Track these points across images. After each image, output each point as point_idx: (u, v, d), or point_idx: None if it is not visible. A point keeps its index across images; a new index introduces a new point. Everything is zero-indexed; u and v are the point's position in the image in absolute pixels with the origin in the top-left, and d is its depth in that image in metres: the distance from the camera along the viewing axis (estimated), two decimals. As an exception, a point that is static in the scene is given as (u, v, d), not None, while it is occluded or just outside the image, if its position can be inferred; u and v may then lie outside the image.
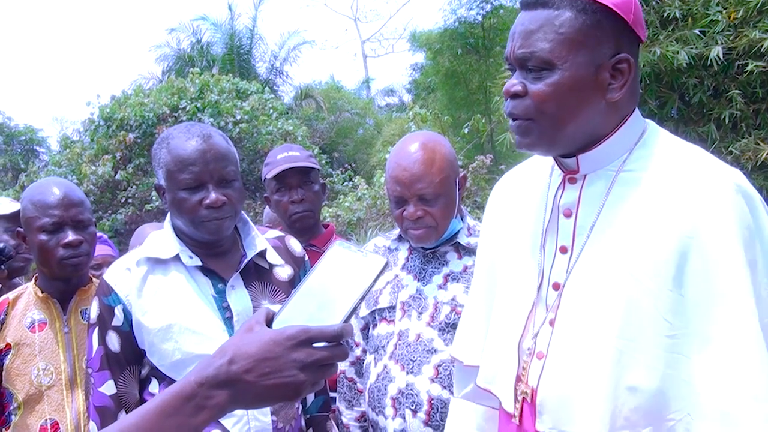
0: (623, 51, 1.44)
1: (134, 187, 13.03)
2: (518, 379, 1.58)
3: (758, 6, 5.92)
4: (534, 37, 1.42)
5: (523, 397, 1.56)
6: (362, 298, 1.07)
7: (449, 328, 2.17)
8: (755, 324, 1.34)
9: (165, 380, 2.04)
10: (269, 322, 1.07)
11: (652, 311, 1.39)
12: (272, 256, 2.23)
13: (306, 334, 1.01)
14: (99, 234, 3.19)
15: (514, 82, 1.47)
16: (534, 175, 1.72)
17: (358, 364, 2.46)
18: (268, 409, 2.06)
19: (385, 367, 2.24)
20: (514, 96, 1.47)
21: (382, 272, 1.09)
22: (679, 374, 1.37)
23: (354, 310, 1.06)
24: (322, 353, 1.02)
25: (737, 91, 5.98)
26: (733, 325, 1.34)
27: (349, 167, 16.21)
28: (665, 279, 1.38)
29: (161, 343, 2.03)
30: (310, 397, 2.34)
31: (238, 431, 2.01)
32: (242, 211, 2.24)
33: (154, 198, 12.39)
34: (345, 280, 1.08)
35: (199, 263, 2.10)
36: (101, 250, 3.05)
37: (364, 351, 2.43)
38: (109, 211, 12.93)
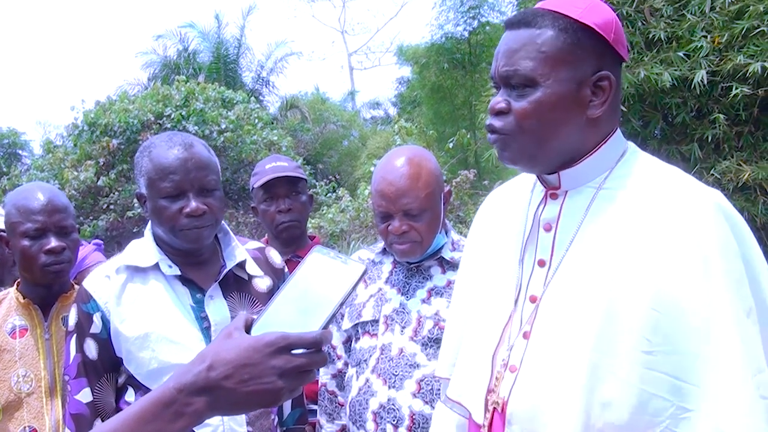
0: (604, 69, 1.47)
1: (116, 193, 12.96)
2: (490, 391, 1.58)
3: (743, 31, 5.99)
4: (517, 55, 1.46)
5: (494, 408, 1.56)
6: (341, 305, 1.07)
7: (432, 342, 2.17)
8: (739, 337, 1.34)
9: (141, 389, 2.04)
10: (248, 328, 1.07)
11: (628, 326, 1.39)
12: (252, 267, 2.23)
13: (285, 340, 1.01)
14: (97, 242, 3.17)
15: (498, 100, 1.50)
16: (517, 191, 1.74)
17: (339, 377, 2.45)
18: (243, 420, 2.06)
19: (367, 381, 2.23)
20: (498, 113, 1.51)
21: (361, 278, 1.09)
22: (657, 392, 1.37)
23: (333, 317, 1.06)
24: (300, 360, 1.02)
25: (721, 115, 6.03)
26: (720, 339, 1.34)
27: (333, 179, 16.23)
28: (644, 295, 1.39)
29: (138, 351, 2.03)
30: (287, 410, 2.34)
31: None
32: (223, 222, 2.25)
33: (136, 205, 12.32)
34: (324, 286, 1.08)
35: (179, 272, 2.10)
36: (96, 257, 3.02)
37: (346, 364, 2.42)
38: (91, 217, 12.84)
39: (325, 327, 1.04)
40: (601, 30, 1.45)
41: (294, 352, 1.02)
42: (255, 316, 1.09)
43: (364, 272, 1.10)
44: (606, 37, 1.46)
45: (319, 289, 1.08)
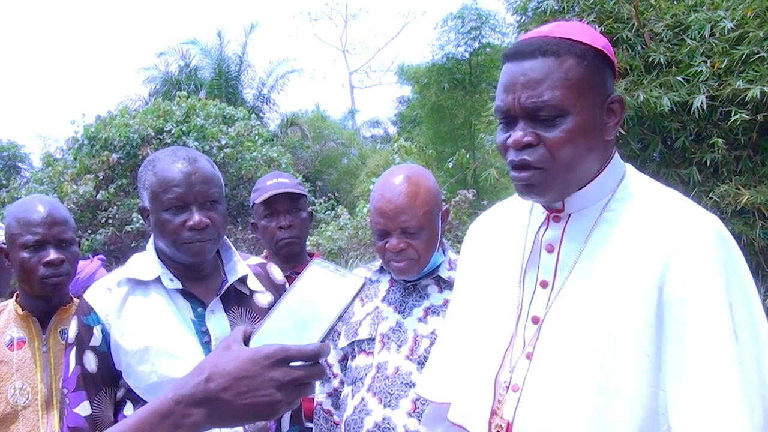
0: (612, 91, 1.50)
1: (115, 207, 12.95)
2: (493, 413, 1.58)
3: (742, 57, 6.03)
4: (542, 86, 1.43)
5: (497, 430, 1.56)
6: (340, 318, 1.08)
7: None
8: (731, 357, 1.36)
9: (140, 403, 2.03)
10: (246, 340, 1.08)
11: (633, 346, 1.40)
12: (253, 283, 2.24)
13: (284, 353, 1.02)
14: (101, 257, 3.18)
15: (523, 134, 1.46)
16: (511, 213, 1.75)
17: (335, 395, 2.45)
18: None
19: (363, 399, 2.23)
20: (526, 146, 1.47)
21: (360, 292, 1.10)
22: (658, 408, 1.39)
23: (331, 330, 1.07)
24: (299, 372, 1.03)
25: (720, 139, 6.06)
26: (709, 360, 1.36)
27: (332, 196, 16.24)
28: (645, 315, 1.41)
29: (138, 365, 2.02)
30: (285, 427, 2.33)
31: None
32: (225, 237, 2.25)
33: (134, 219, 12.32)
34: (323, 299, 1.09)
35: (180, 286, 2.10)
36: (103, 273, 3.02)
37: (342, 383, 2.42)
38: (89, 231, 12.82)
39: (324, 340, 1.05)
40: (609, 53, 1.49)
41: (292, 364, 1.03)
42: (253, 328, 1.10)
43: (363, 285, 1.10)
44: (612, 59, 1.49)
45: (318, 301, 1.09)
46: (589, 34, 1.49)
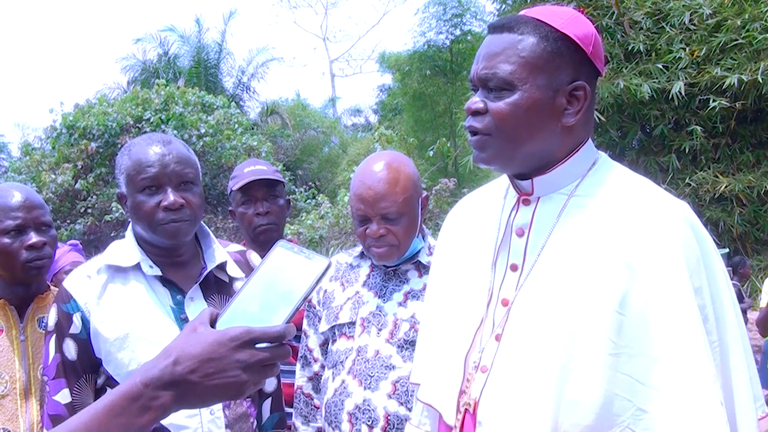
0: (581, 79, 1.52)
1: (94, 197, 12.89)
2: (461, 392, 1.61)
3: (720, 45, 6.08)
4: (497, 59, 1.51)
5: (465, 409, 1.58)
6: (305, 299, 1.09)
7: (408, 345, 2.20)
8: (701, 342, 1.39)
9: (120, 390, 2.02)
10: (213, 323, 1.09)
11: (595, 329, 1.42)
12: (233, 269, 2.24)
13: (249, 335, 1.04)
14: (73, 242, 3.16)
15: (475, 100, 1.55)
16: (488, 198, 1.77)
17: (315, 379, 2.46)
18: (222, 423, 2.06)
19: (343, 382, 2.25)
20: (475, 113, 1.54)
21: (324, 273, 1.11)
22: (620, 392, 1.41)
23: (296, 311, 1.08)
24: (264, 354, 1.05)
25: (698, 126, 6.12)
26: (681, 344, 1.39)
27: (312, 185, 16.22)
28: (610, 300, 1.43)
29: (118, 352, 2.02)
30: (266, 413, 2.34)
31: None
32: (204, 224, 2.25)
33: (114, 209, 12.26)
34: (288, 280, 1.10)
35: (159, 273, 2.10)
36: (71, 257, 3.01)
37: (323, 367, 2.43)
38: (68, 221, 12.77)
39: (289, 321, 1.06)
40: (580, 42, 1.50)
41: (258, 346, 1.04)
42: (219, 311, 1.11)
43: (328, 267, 1.11)
44: (585, 49, 1.51)
45: (283, 283, 1.10)
46: (567, 21, 1.52)
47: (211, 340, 1.04)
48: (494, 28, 1.55)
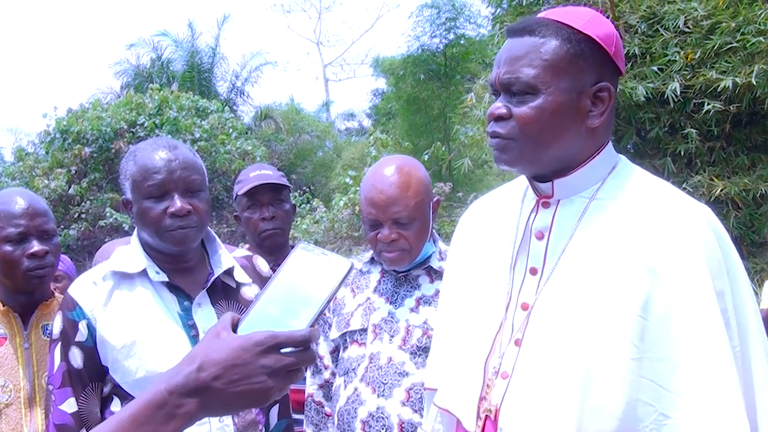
0: (604, 80, 1.51)
1: (88, 202, 12.84)
2: (482, 399, 1.59)
3: (715, 48, 6.09)
4: (520, 63, 1.49)
5: (486, 415, 1.57)
6: (329, 301, 1.07)
7: (421, 351, 2.18)
8: (725, 346, 1.38)
9: (127, 398, 2.00)
10: (235, 328, 1.07)
11: (618, 334, 1.42)
12: (240, 275, 2.22)
13: (274, 339, 1.02)
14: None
15: (498, 105, 1.53)
16: (505, 201, 1.76)
17: (326, 387, 2.44)
18: (231, 430, 2.04)
19: (356, 390, 2.23)
20: (498, 118, 1.53)
21: (347, 275, 1.09)
22: (643, 398, 1.40)
23: (320, 314, 1.06)
24: (290, 359, 1.02)
25: (693, 129, 6.13)
26: (704, 349, 1.38)
27: (307, 189, 16.20)
28: (633, 304, 1.42)
29: (125, 359, 2.00)
30: (273, 420, 2.32)
31: None
32: (210, 229, 2.24)
33: (108, 214, 12.21)
34: (310, 283, 1.08)
35: (166, 279, 2.08)
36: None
37: (334, 374, 2.42)
38: (62, 226, 12.69)
39: (313, 324, 1.04)
40: (603, 42, 1.49)
41: (282, 350, 1.02)
42: (241, 315, 1.09)
43: (351, 268, 1.09)
44: (607, 50, 1.50)
45: (305, 286, 1.08)
46: (588, 22, 1.50)
47: (236, 346, 1.02)
48: (514, 32, 1.53)
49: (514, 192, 1.74)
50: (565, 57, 1.47)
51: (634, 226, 1.48)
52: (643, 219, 1.48)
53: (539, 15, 1.57)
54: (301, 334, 1.03)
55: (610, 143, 1.60)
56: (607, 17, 6.53)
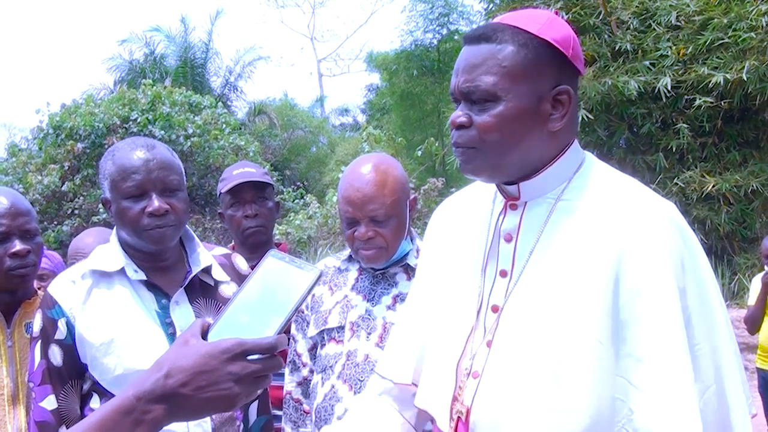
0: (563, 83, 1.50)
1: (81, 198, 12.83)
2: (454, 399, 1.60)
3: (707, 44, 6.10)
4: (478, 70, 1.48)
5: (458, 416, 1.58)
6: (296, 310, 1.08)
7: None
8: (681, 343, 1.39)
9: (106, 396, 2.02)
10: (204, 334, 1.09)
11: (587, 334, 1.42)
12: (218, 273, 2.23)
13: (241, 347, 1.04)
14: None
15: (459, 114, 1.52)
16: (476, 200, 1.76)
17: (304, 384, 2.45)
18: (209, 427, 2.06)
19: (333, 387, 2.24)
20: (460, 127, 1.52)
21: (315, 283, 1.10)
22: (618, 394, 1.41)
23: (288, 322, 1.08)
24: (256, 366, 1.04)
25: (685, 125, 6.15)
26: (661, 345, 1.39)
27: (300, 185, 16.20)
28: (600, 303, 1.43)
29: (103, 357, 2.01)
30: (253, 417, 2.33)
31: None
32: (188, 228, 2.25)
33: (101, 210, 12.21)
34: (279, 291, 1.10)
35: (144, 277, 2.09)
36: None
37: (312, 371, 2.42)
38: (55, 222, 12.70)
39: (280, 332, 1.06)
40: (560, 45, 1.48)
41: (250, 357, 1.04)
42: (211, 322, 1.11)
43: (319, 277, 1.11)
44: (564, 53, 1.49)
45: (275, 294, 1.10)
46: (544, 25, 1.50)
47: (203, 353, 1.04)
48: (471, 39, 1.52)
49: (486, 191, 1.74)
50: (523, 63, 1.46)
51: (598, 226, 1.48)
52: (608, 219, 1.48)
53: (496, 20, 1.56)
54: (267, 341, 1.04)
55: (576, 142, 1.60)
56: (600, 13, 6.54)
